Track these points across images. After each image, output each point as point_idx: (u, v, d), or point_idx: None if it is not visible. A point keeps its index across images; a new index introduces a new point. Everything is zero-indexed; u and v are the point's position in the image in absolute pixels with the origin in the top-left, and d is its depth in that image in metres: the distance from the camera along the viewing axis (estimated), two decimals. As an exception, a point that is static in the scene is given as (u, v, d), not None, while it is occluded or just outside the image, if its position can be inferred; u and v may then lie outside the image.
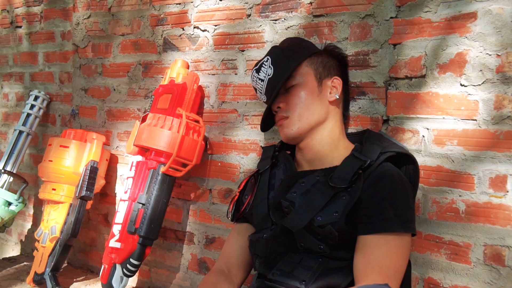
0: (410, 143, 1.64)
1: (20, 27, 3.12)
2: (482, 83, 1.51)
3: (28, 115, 2.82)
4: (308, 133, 1.50)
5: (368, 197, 1.31)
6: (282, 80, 1.49)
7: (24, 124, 2.79)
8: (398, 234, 1.29)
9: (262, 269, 1.41)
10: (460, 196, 1.56)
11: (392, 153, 1.39)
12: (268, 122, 1.66)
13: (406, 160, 1.45)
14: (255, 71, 1.56)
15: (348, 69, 1.71)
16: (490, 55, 1.50)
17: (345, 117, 1.70)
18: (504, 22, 1.48)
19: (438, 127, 1.60)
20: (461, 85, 1.55)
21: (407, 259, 1.32)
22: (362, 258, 1.27)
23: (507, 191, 1.49)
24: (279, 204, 1.42)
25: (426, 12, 1.62)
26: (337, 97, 1.55)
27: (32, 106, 2.84)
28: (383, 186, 1.32)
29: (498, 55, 1.49)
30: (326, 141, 1.51)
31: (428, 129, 1.62)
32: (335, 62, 1.62)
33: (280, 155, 1.61)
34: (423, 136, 1.63)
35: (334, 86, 1.56)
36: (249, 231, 1.59)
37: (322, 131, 1.51)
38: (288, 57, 1.53)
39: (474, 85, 1.53)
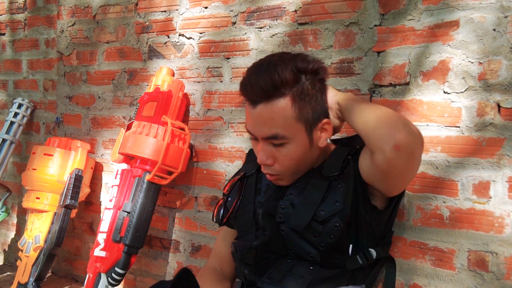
0: (394, 150, 1.65)
1: (4, 34, 3.09)
2: (465, 90, 1.53)
3: (12, 123, 2.78)
4: None
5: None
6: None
7: (7, 132, 2.76)
8: None
9: (252, 276, 1.40)
10: (444, 202, 1.58)
11: None
12: None
13: None
14: None
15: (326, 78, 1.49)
16: (472, 62, 1.52)
17: None
18: (485, 30, 1.50)
19: (422, 134, 1.60)
20: (444, 92, 1.57)
21: None
22: None
23: (490, 197, 1.50)
24: (274, 208, 1.39)
25: (409, 20, 1.64)
26: (329, 141, 1.41)
27: (16, 114, 2.81)
28: None
29: (480, 62, 1.51)
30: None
31: (412, 136, 1.63)
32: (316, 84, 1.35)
33: None
34: (407, 143, 1.64)
35: (324, 129, 1.35)
36: (235, 236, 1.57)
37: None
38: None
39: (457, 93, 1.55)
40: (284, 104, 1.27)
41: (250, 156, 1.65)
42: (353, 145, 1.40)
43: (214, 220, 1.55)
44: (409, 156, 1.19)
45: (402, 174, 1.26)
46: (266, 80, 1.26)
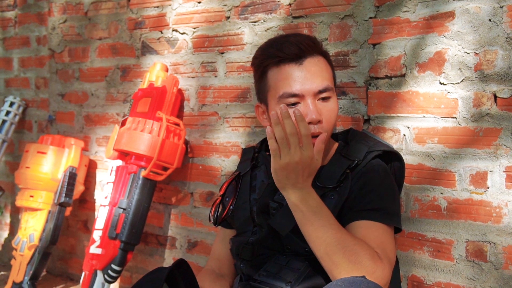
0: (391, 142, 1.65)
1: (-6, 32, 3.07)
2: (461, 81, 1.53)
3: (4, 121, 2.76)
4: None
5: (355, 189, 1.33)
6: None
7: (-1, 131, 2.74)
8: (384, 225, 1.29)
9: (248, 270, 1.40)
10: (441, 193, 1.58)
11: (378, 152, 1.39)
12: None
13: (392, 157, 1.46)
14: None
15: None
16: (468, 53, 1.52)
17: None
18: (481, 20, 1.50)
19: (419, 125, 1.62)
20: (441, 83, 1.57)
21: (395, 249, 1.32)
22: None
23: (488, 187, 1.50)
24: (267, 206, 1.40)
25: (404, 12, 1.63)
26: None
27: (8, 113, 2.78)
28: (370, 179, 1.34)
29: (476, 53, 1.51)
30: None
31: (408, 127, 1.63)
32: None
33: (260, 156, 1.60)
34: (404, 135, 1.64)
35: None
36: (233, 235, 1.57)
37: None
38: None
39: (453, 83, 1.55)
40: (323, 60, 1.40)
41: (245, 155, 1.65)
42: (351, 158, 1.39)
43: (211, 220, 1.55)
44: None
45: None
46: (307, 38, 1.40)
